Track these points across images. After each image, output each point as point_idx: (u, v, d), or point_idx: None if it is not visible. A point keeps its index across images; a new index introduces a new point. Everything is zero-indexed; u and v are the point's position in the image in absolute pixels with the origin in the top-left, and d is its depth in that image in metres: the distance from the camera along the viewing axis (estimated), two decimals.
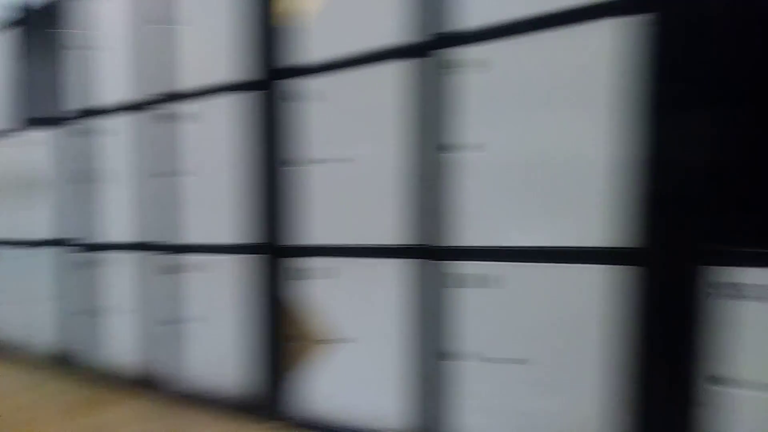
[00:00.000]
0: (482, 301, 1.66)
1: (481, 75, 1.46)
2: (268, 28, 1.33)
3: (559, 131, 1.45)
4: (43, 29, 1.98)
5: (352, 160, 1.54)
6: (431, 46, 1.46)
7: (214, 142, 1.43)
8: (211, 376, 1.48)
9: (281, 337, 1.35)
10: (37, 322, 1.97)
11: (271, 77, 1.34)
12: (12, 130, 2.16)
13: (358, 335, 1.64)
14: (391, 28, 1.43)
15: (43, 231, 1.97)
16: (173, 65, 1.52)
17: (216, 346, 1.46)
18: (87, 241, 1.82)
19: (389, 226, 1.64)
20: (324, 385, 1.42)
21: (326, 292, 1.44)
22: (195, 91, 1.47)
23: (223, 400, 1.45)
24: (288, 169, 1.28)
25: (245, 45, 1.36)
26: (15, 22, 2.07)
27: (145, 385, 1.64)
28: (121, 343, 1.74)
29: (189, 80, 1.49)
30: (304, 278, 1.33)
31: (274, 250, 1.34)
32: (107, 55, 1.75)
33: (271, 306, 1.33)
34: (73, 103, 1.88)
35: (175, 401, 1.51)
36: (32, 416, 1.61)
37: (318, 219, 1.39)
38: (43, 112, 2.02)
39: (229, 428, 1.31)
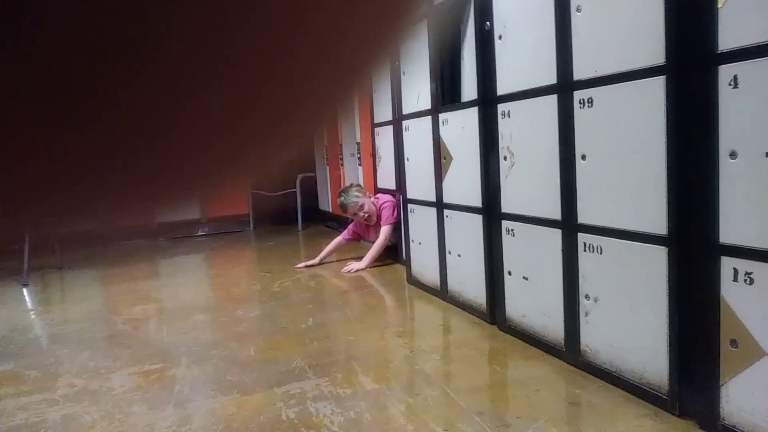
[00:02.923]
0: None
1: None
2: (682, 8, 1.23)
3: None
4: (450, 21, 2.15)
5: None
6: None
7: (615, 127, 1.40)
8: (612, 354, 1.48)
9: (698, 334, 1.28)
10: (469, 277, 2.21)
11: (683, 63, 1.24)
12: (426, 112, 2.42)
13: None
14: None
15: (459, 196, 2.23)
16: (572, 51, 1.52)
17: (615, 327, 1.47)
18: (498, 211, 1.96)
19: None
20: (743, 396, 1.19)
21: (746, 296, 1.17)
22: (596, 78, 1.44)
23: (622, 381, 1.45)
24: (705, 159, 1.19)
25: (652, 28, 1.28)
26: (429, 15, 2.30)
27: (547, 349, 1.74)
28: (525, 306, 1.86)
29: (586, 66, 1.48)
30: (723, 278, 1.22)
31: (694, 244, 1.26)
32: (509, 43, 1.81)
33: (691, 302, 1.27)
34: (479, 87, 2.00)
35: (575, 371, 1.60)
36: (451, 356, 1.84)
37: (739, 216, 1.16)
38: (453, 97, 2.24)
39: (636, 413, 1.34)
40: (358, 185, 3.51)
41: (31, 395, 1.65)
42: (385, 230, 3.19)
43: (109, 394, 1.62)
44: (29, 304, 2.96)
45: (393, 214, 3.19)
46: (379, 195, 3.37)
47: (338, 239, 3.43)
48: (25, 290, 3.23)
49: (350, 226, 3.46)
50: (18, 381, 1.77)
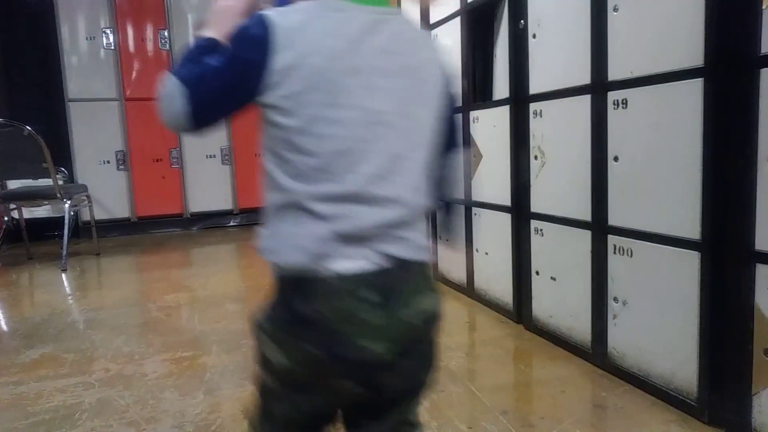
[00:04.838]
0: None
1: None
2: (723, 10, 1.19)
3: None
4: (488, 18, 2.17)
5: None
6: None
7: (649, 129, 1.39)
8: (640, 358, 1.48)
9: (731, 342, 1.24)
10: (496, 276, 2.21)
11: (722, 65, 1.20)
12: (457, 109, 2.44)
13: None
14: None
15: (488, 195, 2.21)
16: (608, 51, 1.51)
17: (644, 331, 1.45)
18: (527, 210, 1.96)
19: None
20: None
21: None
22: (631, 79, 1.43)
23: (650, 386, 1.44)
24: (743, 164, 1.17)
25: (691, 29, 1.25)
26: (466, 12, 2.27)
27: (573, 351, 1.74)
28: (553, 306, 1.85)
29: (622, 67, 1.46)
30: (757, 286, 1.17)
31: (729, 250, 1.23)
32: (543, 41, 1.81)
33: (724, 309, 1.25)
34: (512, 86, 2.00)
35: (602, 374, 1.59)
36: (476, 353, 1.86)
37: None
38: (484, 95, 2.25)
39: (663, 418, 1.33)
40: None
41: (68, 378, 1.71)
42: None
43: (142, 380, 1.68)
44: (67, 289, 3.06)
45: None
46: None
47: None
48: (63, 275, 3.34)
49: None
50: (56, 363, 1.84)
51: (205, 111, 0.67)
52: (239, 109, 0.68)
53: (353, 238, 0.66)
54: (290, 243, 0.66)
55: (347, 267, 0.66)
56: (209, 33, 0.73)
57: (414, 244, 0.70)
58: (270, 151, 0.69)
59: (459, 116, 0.69)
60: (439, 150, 0.77)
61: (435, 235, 2.77)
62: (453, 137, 0.80)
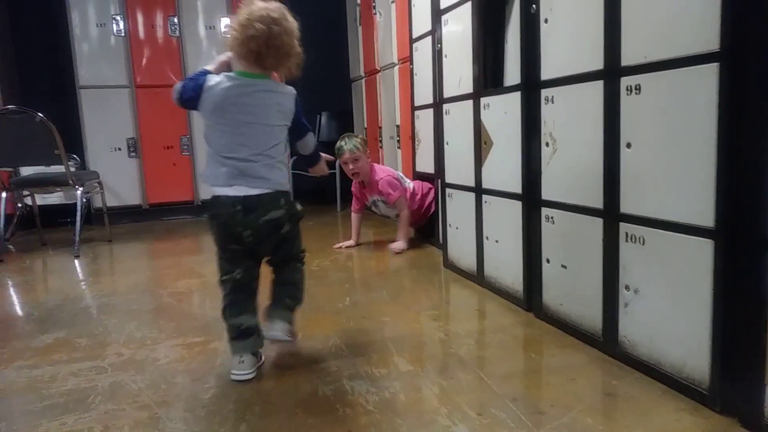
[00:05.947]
0: None
1: None
2: None
3: None
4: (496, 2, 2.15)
5: None
6: None
7: (663, 115, 1.37)
8: (651, 346, 1.47)
9: (744, 331, 1.22)
10: (506, 264, 2.22)
11: (738, 49, 1.18)
12: (468, 95, 2.40)
13: None
14: None
15: (499, 182, 2.22)
16: (621, 36, 1.48)
17: (655, 319, 1.44)
18: (538, 197, 1.94)
19: None
20: None
21: None
22: (645, 64, 1.41)
23: (661, 374, 1.43)
24: (758, 150, 1.16)
25: (707, 12, 1.23)
26: None
27: (583, 339, 1.74)
28: (563, 294, 1.85)
29: (635, 52, 1.44)
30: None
31: (743, 238, 1.21)
32: (555, 26, 1.80)
33: (737, 298, 1.24)
34: (523, 71, 1.99)
35: (612, 362, 1.59)
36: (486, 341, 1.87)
37: None
38: (495, 81, 2.23)
39: (674, 407, 1.32)
40: (364, 139, 3.46)
41: (82, 362, 1.74)
42: (399, 206, 3.24)
43: (154, 364, 1.69)
44: (80, 275, 3.09)
45: (396, 191, 3.21)
46: (376, 166, 3.36)
47: (356, 216, 3.45)
48: (76, 261, 3.38)
49: (354, 198, 3.45)
50: (70, 348, 1.86)
51: (183, 103, 1.54)
52: (196, 108, 1.53)
53: (236, 176, 1.49)
54: (215, 175, 1.51)
55: (233, 192, 1.49)
56: (208, 67, 1.57)
57: (269, 183, 1.52)
58: (205, 131, 1.54)
59: (305, 122, 1.67)
60: (295, 136, 1.68)
61: (444, 223, 2.80)
62: (301, 133, 1.70)
